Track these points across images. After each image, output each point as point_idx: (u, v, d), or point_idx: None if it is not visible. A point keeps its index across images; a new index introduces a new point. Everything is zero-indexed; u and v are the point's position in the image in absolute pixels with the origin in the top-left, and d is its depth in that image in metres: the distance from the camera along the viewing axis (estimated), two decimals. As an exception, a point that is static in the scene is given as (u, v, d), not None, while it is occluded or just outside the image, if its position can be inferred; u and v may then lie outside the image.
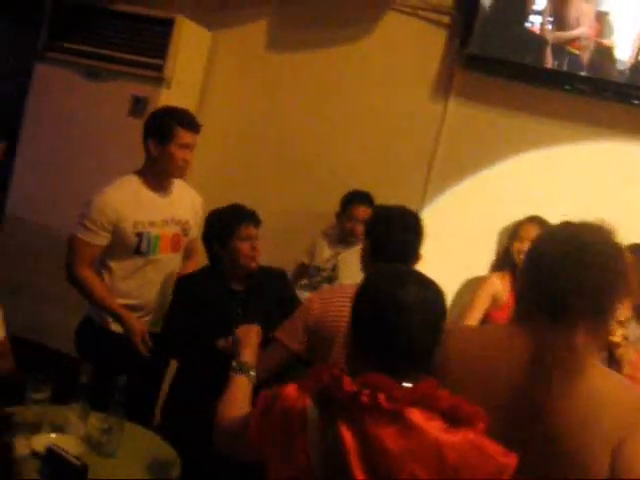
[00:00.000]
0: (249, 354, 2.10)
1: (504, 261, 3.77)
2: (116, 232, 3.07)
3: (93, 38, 4.35)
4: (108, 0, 4.36)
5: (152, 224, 3.15)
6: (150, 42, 4.19)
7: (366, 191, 3.88)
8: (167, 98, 4.15)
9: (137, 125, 4.13)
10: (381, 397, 1.44)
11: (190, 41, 4.23)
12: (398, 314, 1.51)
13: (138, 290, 3.19)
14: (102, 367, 2.58)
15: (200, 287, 2.99)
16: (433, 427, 1.44)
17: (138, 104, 4.17)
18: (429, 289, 1.58)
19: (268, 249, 3.21)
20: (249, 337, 2.18)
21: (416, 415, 1.45)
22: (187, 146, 3.12)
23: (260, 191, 4.12)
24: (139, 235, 3.11)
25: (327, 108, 4.20)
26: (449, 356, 1.72)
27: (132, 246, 3.11)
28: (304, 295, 3.76)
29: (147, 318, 3.22)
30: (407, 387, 1.48)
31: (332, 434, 1.49)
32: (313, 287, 3.81)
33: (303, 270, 4.03)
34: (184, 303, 2.98)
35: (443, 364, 1.67)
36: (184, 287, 3.04)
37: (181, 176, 3.23)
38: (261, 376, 2.14)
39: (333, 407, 1.51)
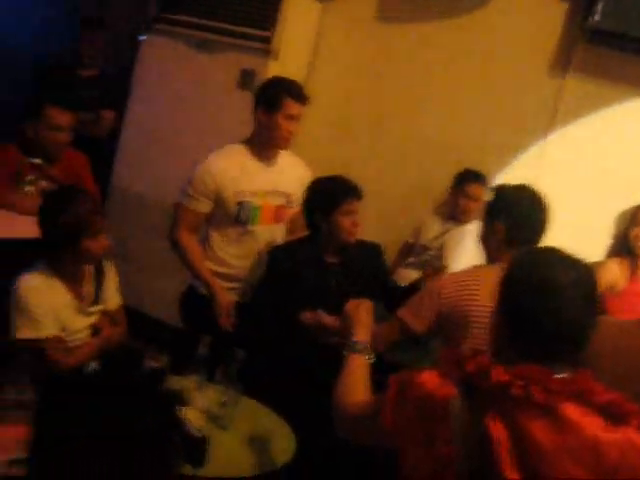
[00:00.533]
0: (363, 332, 2.01)
1: (622, 246, 3.61)
2: (217, 200, 3.10)
3: (202, 10, 4.34)
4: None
5: (254, 194, 3.15)
6: (259, 14, 4.15)
7: (478, 170, 3.79)
8: (274, 70, 4.09)
9: (245, 97, 4.15)
10: (535, 389, 1.36)
11: (299, 12, 4.18)
12: (554, 297, 1.42)
13: (236, 259, 3.20)
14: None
15: (294, 258, 2.98)
16: (591, 424, 1.35)
17: (246, 76, 4.15)
18: (581, 269, 1.49)
19: (372, 227, 3.15)
20: (360, 313, 2.09)
21: (572, 410, 1.36)
22: (293, 117, 3.11)
23: (365, 167, 4.05)
24: (240, 204, 3.12)
25: (438, 81, 4.07)
26: (593, 346, 1.61)
27: (232, 215, 3.12)
28: (410, 274, 3.70)
29: (239, 287, 3.22)
30: (562, 378, 1.40)
31: (480, 426, 1.41)
32: (420, 265, 3.74)
33: (408, 249, 3.98)
34: (276, 274, 2.97)
35: (589, 354, 1.57)
36: (277, 257, 3.02)
37: (285, 147, 3.21)
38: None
39: (480, 397, 1.43)
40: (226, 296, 3.08)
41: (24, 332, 2.43)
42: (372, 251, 3.12)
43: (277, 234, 3.30)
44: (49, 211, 2.53)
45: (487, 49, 3.96)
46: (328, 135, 4.32)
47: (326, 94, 4.26)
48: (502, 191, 2.47)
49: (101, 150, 4.48)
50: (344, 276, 2.97)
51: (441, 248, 3.76)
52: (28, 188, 3.63)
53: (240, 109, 4.18)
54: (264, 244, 3.23)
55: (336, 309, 2.73)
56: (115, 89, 4.79)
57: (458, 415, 1.44)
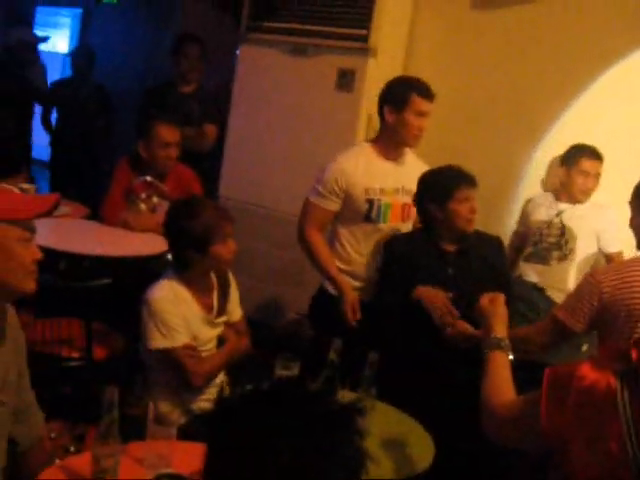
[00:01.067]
0: (502, 328, 1.94)
1: None
2: (347, 198, 3.11)
3: (294, 15, 4.33)
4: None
5: (383, 192, 3.14)
6: (353, 13, 4.10)
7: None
8: (373, 68, 4.05)
9: (344, 99, 4.12)
10: None
11: (393, 8, 4.09)
12: None
13: (364, 258, 3.17)
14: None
15: (411, 245, 2.97)
16: None
17: (344, 77, 4.11)
18: None
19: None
20: (497, 308, 2.01)
21: None
22: (422, 114, 3.09)
23: (468, 156, 3.95)
24: (369, 202, 3.11)
25: (539, 66, 3.89)
26: None
27: (362, 212, 3.12)
28: (535, 267, 3.57)
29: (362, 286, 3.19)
30: None
31: None
32: (541, 257, 3.59)
33: (520, 239, 3.80)
34: (392, 261, 2.96)
35: None
36: (393, 245, 3.01)
37: (415, 145, 3.20)
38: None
39: None
40: (352, 293, 3.08)
41: (160, 342, 2.45)
42: (491, 242, 3.05)
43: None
44: (177, 221, 2.54)
45: (590, 28, 3.76)
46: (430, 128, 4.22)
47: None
48: None
49: (204, 164, 4.54)
50: (461, 265, 2.92)
51: (562, 233, 3.58)
52: (141, 205, 3.71)
53: (340, 111, 4.17)
54: None
55: (453, 298, 2.81)
56: (215, 103, 4.87)
57: (626, 408, 1.34)
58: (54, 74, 7.16)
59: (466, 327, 2.68)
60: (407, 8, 4.20)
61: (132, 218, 3.65)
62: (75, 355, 2.87)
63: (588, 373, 1.43)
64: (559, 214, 3.61)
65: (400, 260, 2.94)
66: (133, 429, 2.04)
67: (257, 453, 0.88)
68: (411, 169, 3.20)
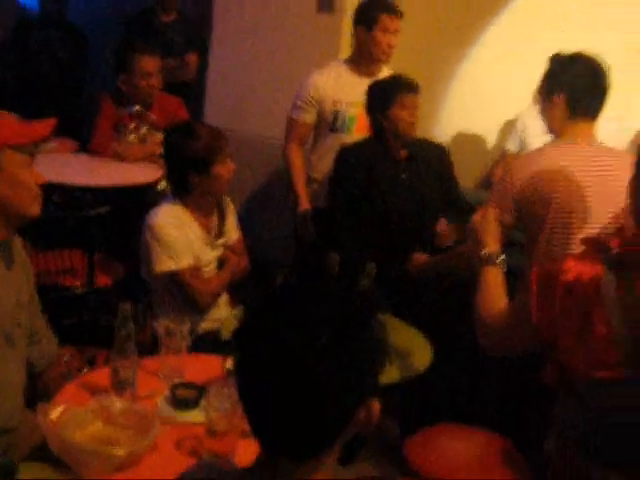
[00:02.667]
0: (494, 243, 1.96)
1: None
2: (319, 110, 3.39)
3: None
4: None
5: (350, 104, 3.36)
6: None
7: None
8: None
9: (326, 20, 4.10)
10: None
11: None
12: None
13: (327, 167, 3.33)
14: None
15: (364, 155, 3.10)
16: None
17: (325, -1, 4.07)
18: None
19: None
20: (489, 224, 2.03)
21: None
22: (390, 31, 3.32)
23: (452, 76, 3.99)
24: (335, 113, 3.37)
25: None
26: None
27: (329, 123, 3.39)
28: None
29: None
30: None
31: (636, 301, 1.40)
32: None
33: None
34: (346, 169, 3.10)
35: None
36: (345, 154, 3.13)
37: (386, 60, 3.41)
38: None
39: (630, 272, 1.42)
40: (304, 206, 3.38)
41: (165, 264, 2.51)
42: (437, 150, 3.23)
43: None
44: (176, 144, 2.57)
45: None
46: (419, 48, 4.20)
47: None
48: (558, 61, 2.34)
49: (186, 93, 4.52)
50: (413, 170, 3.10)
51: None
52: (131, 136, 3.72)
53: (322, 32, 4.15)
54: None
55: (406, 203, 3.02)
56: (196, 31, 4.83)
57: (610, 292, 1.42)
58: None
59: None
60: None
61: (123, 149, 3.66)
62: (78, 284, 2.94)
63: (573, 266, 1.51)
64: None
65: (354, 167, 3.06)
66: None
67: (298, 336, 0.95)
68: None
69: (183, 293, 2.55)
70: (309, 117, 3.41)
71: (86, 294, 2.91)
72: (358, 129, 3.35)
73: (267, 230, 4.36)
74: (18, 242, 1.97)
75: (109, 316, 2.86)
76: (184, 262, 2.52)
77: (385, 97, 3.03)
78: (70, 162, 3.71)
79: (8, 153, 1.71)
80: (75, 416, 1.66)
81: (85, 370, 2.31)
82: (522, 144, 3.66)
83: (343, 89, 3.37)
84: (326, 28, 4.11)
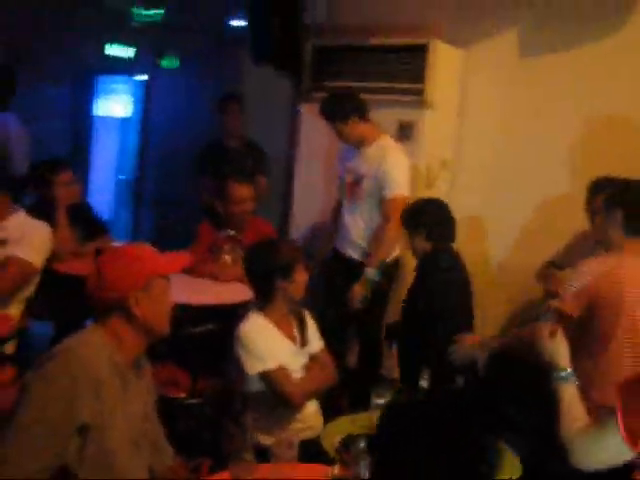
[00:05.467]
0: (565, 361, 2.06)
1: None
2: None
3: (352, 73, 4.66)
4: (363, 37, 4.65)
5: None
6: (407, 68, 4.41)
7: None
8: (430, 120, 4.35)
9: (405, 148, 4.41)
10: None
11: (444, 63, 4.40)
12: None
13: None
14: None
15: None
16: None
17: (404, 129, 4.40)
18: None
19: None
20: (557, 344, 2.11)
21: None
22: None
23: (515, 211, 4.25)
24: None
25: (593, 111, 4.11)
26: None
27: None
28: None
29: None
30: None
31: None
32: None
33: None
34: None
35: None
36: None
37: None
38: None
39: None
40: None
41: (256, 367, 2.74)
42: None
43: None
44: (261, 256, 2.88)
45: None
46: (484, 173, 4.48)
47: (481, 135, 4.46)
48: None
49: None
50: None
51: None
52: (226, 258, 4.04)
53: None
54: None
55: None
56: (263, 154, 5.24)
57: None
58: (110, 137, 7.68)
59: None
60: (457, 63, 4.51)
61: (218, 269, 3.97)
62: (183, 395, 3.16)
63: None
64: None
65: None
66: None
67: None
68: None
69: (276, 396, 2.74)
70: None
71: (191, 405, 3.12)
72: None
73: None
74: (144, 357, 2.23)
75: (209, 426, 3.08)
76: (272, 363, 2.73)
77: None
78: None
79: (158, 280, 2.00)
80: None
81: (191, 480, 2.51)
82: None
83: None
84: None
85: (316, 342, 3.02)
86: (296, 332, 2.93)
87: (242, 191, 4.13)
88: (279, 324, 2.87)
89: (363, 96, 4.47)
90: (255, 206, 4.25)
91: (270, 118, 5.55)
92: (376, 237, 4.00)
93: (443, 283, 3.33)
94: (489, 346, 2.98)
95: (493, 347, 2.97)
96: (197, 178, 5.19)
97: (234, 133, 5.24)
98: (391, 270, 4.07)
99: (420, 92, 4.34)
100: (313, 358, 2.97)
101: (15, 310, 3.31)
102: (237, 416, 2.74)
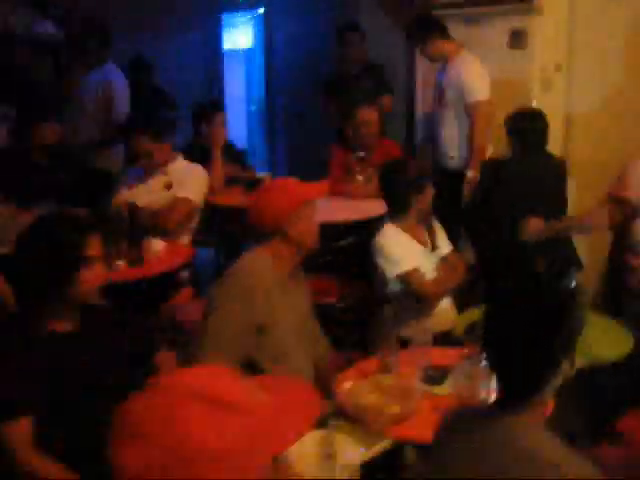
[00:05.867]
0: None
1: None
2: None
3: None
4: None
5: None
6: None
7: None
8: (541, 26, 4.50)
9: (518, 55, 4.59)
10: None
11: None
12: None
13: None
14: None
15: None
16: None
17: (516, 36, 4.57)
18: None
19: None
20: None
21: None
22: None
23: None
24: None
25: None
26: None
27: None
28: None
29: None
30: None
31: None
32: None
33: None
34: None
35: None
36: None
37: None
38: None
39: None
40: None
41: (393, 271, 3.13)
42: None
43: None
44: (392, 178, 3.27)
45: None
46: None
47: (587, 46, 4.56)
48: None
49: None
50: None
51: None
52: (358, 178, 4.46)
53: (515, 67, 4.65)
54: None
55: None
56: (383, 76, 5.46)
57: None
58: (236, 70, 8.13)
59: None
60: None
61: (352, 189, 4.40)
62: (334, 301, 3.65)
63: None
64: None
65: None
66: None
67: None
68: None
69: (413, 295, 3.14)
70: None
71: (340, 309, 3.60)
72: None
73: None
74: (300, 269, 2.72)
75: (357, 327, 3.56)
76: (407, 266, 3.12)
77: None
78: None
79: (306, 205, 2.47)
80: (359, 389, 2.33)
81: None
82: None
83: None
84: (519, 62, 4.61)
85: (445, 246, 3.38)
86: (426, 238, 3.31)
87: (368, 115, 4.49)
88: (411, 232, 3.24)
89: (475, 8, 4.67)
90: (381, 127, 4.62)
91: (389, 44, 5.76)
92: (468, 142, 4.47)
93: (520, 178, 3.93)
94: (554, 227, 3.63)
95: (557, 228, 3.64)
96: (324, 105, 5.55)
97: (355, 61, 5.49)
98: (489, 170, 4.40)
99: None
100: (444, 260, 3.33)
101: (185, 241, 3.90)
102: (379, 315, 3.20)
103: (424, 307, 3.22)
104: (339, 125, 4.96)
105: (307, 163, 5.27)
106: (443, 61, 4.57)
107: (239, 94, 8.48)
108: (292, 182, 2.60)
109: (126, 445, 0.95)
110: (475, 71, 4.44)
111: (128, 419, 0.97)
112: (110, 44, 5.15)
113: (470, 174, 4.39)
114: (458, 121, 4.51)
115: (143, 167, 3.93)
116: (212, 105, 4.88)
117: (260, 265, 2.51)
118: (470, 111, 4.41)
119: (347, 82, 5.36)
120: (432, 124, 4.81)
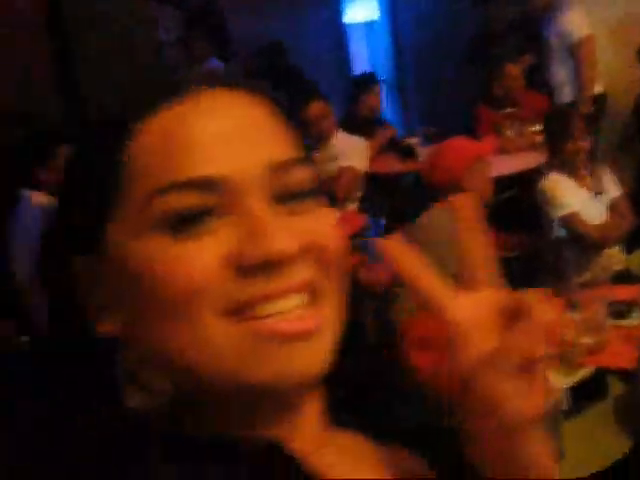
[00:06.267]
0: None
1: None
2: None
3: None
4: None
5: None
6: None
7: None
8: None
9: None
10: None
11: None
12: None
13: None
14: None
15: None
16: None
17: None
18: None
19: None
20: None
21: None
22: None
23: None
24: None
25: None
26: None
27: None
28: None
29: None
30: None
31: None
32: None
33: None
34: None
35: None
36: None
37: None
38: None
39: None
40: None
41: (555, 213, 3.26)
42: None
43: None
44: (555, 128, 3.40)
45: None
46: None
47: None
48: None
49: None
50: None
51: None
52: (508, 133, 4.57)
53: None
54: None
55: None
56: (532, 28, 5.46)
57: None
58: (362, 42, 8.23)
59: None
60: None
61: (505, 144, 4.51)
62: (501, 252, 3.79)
63: None
64: None
65: None
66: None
67: None
68: None
69: (577, 238, 3.23)
70: None
71: (509, 259, 3.72)
72: None
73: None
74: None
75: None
76: (569, 209, 3.22)
77: None
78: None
79: (479, 162, 2.63)
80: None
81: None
82: None
83: None
84: None
85: (612, 190, 3.42)
86: (590, 182, 3.39)
87: (515, 70, 4.59)
88: (575, 178, 3.32)
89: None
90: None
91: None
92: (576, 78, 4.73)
93: None
94: None
95: None
96: (466, 66, 5.64)
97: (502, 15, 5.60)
98: (600, 103, 4.64)
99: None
100: (612, 206, 3.39)
101: (353, 209, 4.16)
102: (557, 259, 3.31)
103: (590, 253, 3.30)
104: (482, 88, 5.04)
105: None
106: (547, 12, 4.81)
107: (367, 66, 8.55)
108: (465, 141, 2.78)
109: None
110: (574, 12, 4.74)
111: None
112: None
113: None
114: (567, 63, 4.79)
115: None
116: (370, 77, 5.20)
117: (441, 219, 2.70)
118: (575, 49, 4.69)
119: (490, 40, 5.45)
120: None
